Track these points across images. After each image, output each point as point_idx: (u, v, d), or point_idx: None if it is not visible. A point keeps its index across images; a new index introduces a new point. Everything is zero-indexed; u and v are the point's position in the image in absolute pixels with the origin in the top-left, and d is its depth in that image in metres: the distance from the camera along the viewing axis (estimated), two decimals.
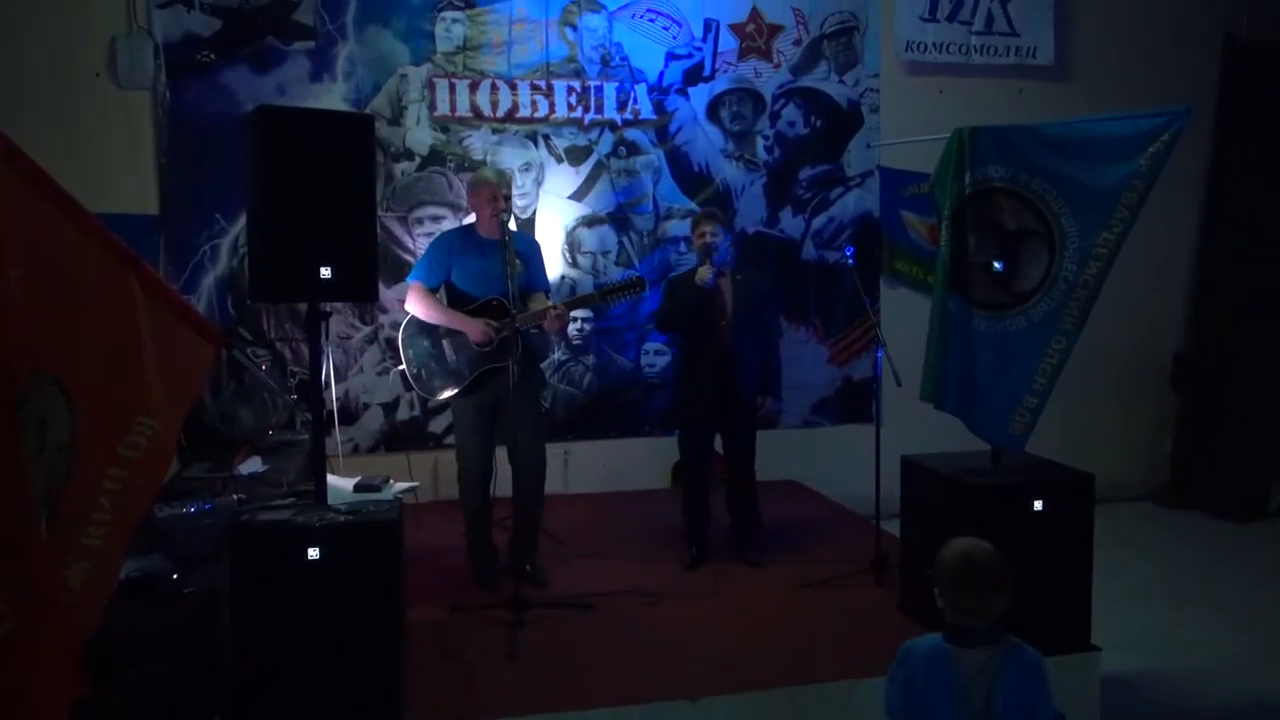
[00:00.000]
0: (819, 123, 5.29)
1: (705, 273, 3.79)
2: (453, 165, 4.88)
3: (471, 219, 3.88)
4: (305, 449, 3.63)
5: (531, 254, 3.80)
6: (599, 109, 5.02)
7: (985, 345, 3.26)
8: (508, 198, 3.68)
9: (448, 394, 3.71)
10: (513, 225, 3.91)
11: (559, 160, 5.02)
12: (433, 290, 3.72)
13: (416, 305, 3.69)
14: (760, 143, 5.24)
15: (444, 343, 3.71)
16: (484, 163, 4.84)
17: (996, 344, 3.25)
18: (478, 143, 4.92)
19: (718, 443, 4.09)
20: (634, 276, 3.84)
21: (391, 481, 3.19)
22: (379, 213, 4.52)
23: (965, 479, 3.23)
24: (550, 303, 3.70)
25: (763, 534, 4.12)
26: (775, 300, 4.27)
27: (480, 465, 3.73)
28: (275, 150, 2.73)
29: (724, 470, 4.09)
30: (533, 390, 3.78)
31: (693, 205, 5.11)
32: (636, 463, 5.10)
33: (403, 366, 3.77)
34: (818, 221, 5.35)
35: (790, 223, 5.32)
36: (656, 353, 5.15)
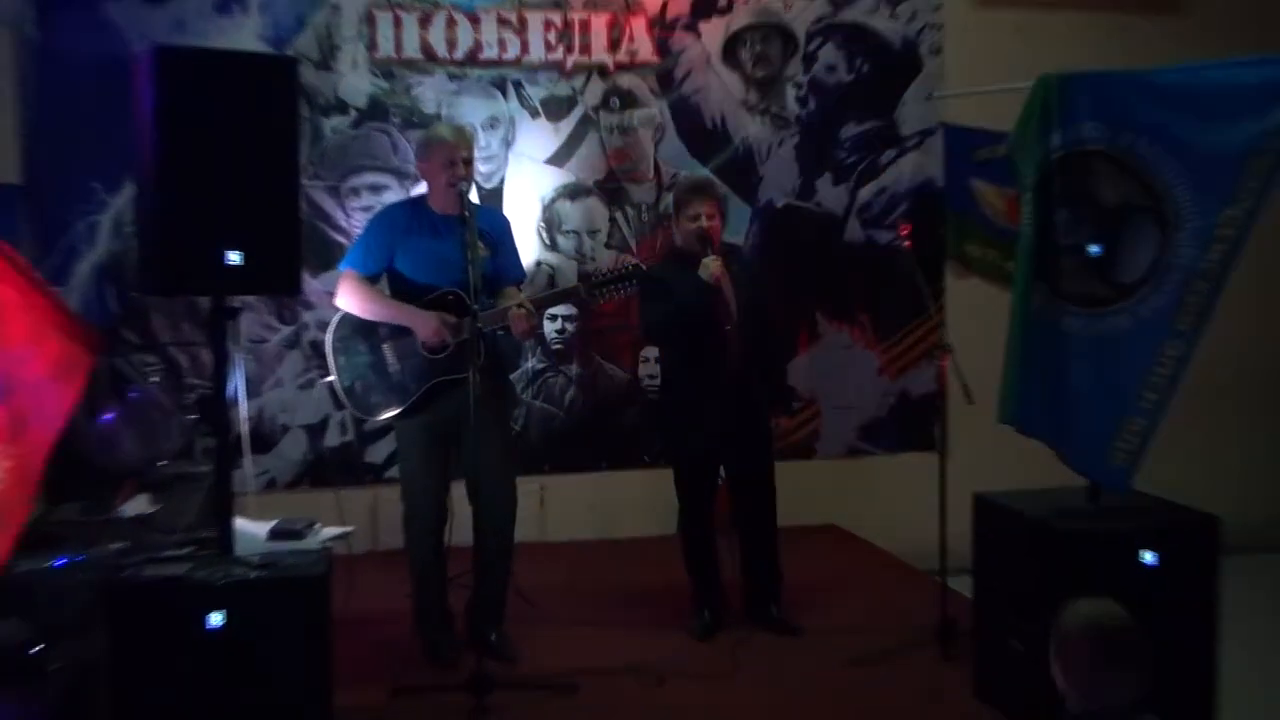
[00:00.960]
0: (865, 67, 5.33)
1: (715, 266, 3.79)
2: (398, 121, 4.91)
3: (422, 189, 3.91)
4: (206, 484, 3.64)
5: (500, 234, 3.82)
6: (585, 50, 5.06)
7: (1079, 352, 3.26)
8: (468, 162, 3.70)
9: (390, 413, 3.73)
10: (474, 197, 3.93)
11: (534, 114, 5.05)
12: (372, 280, 3.74)
13: (350, 299, 3.71)
14: (791, 92, 5.27)
15: (385, 347, 3.73)
16: (438, 118, 4.89)
17: (1093, 350, 3.25)
18: (430, 92, 4.95)
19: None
20: (628, 263, 3.86)
21: (317, 526, 3.21)
22: (304, 181, 4.30)
23: (1054, 523, 3.23)
24: (521, 296, 3.71)
25: (782, 594, 4.12)
26: (766, 283, 4.33)
27: (432, 505, 3.75)
28: (172, 102, 2.75)
29: (730, 508, 4.11)
30: (500, 409, 3.80)
31: (705, 170, 5.14)
32: (633, 502, 5.10)
33: (332, 378, 3.80)
34: (865, 193, 5.36)
35: (830, 194, 5.34)
36: (659, 360, 4.83)
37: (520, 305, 3.59)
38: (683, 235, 3.99)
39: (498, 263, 3.76)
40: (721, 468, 4.07)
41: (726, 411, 3.89)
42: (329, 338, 3.80)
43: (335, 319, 3.80)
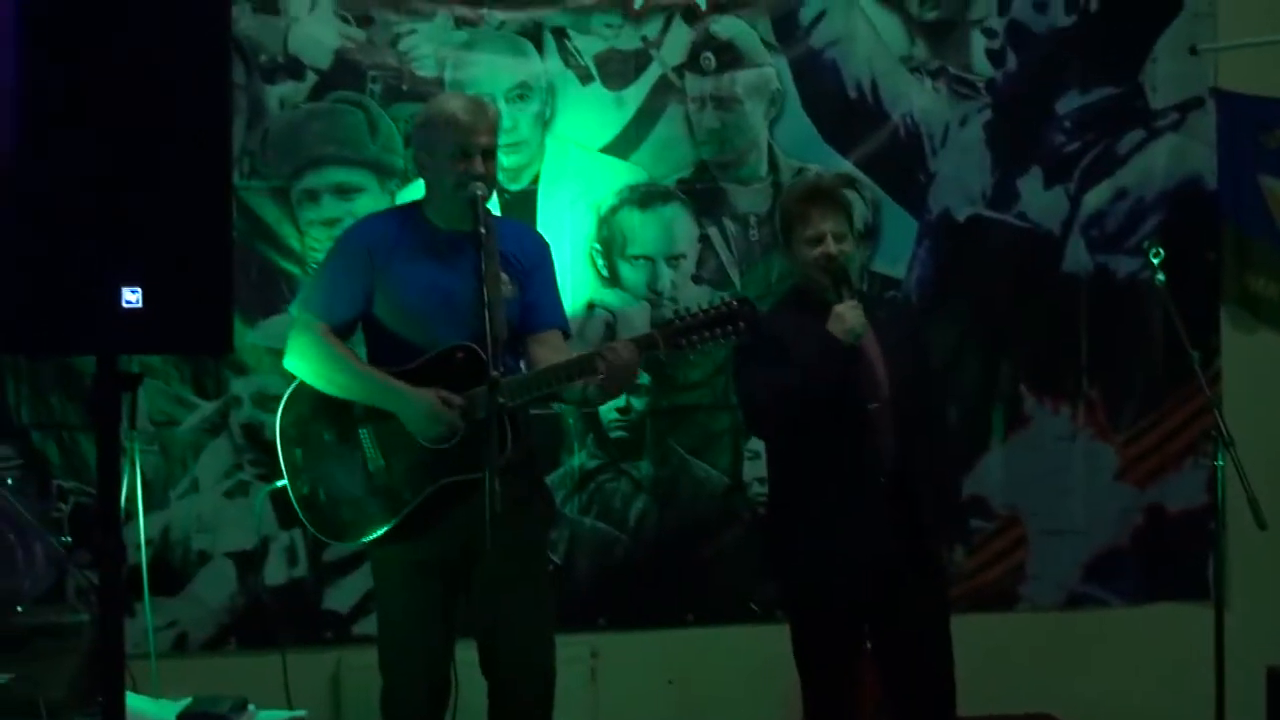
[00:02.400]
0: (1094, 3, 5.31)
1: (852, 316, 3.82)
2: (378, 90, 4.93)
3: (417, 193, 4.00)
4: (84, 643, 3.64)
5: (533, 261, 3.90)
6: None
7: None
8: (489, 152, 3.75)
9: (371, 534, 3.78)
10: (495, 206, 4.01)
11: (584, 79, 5.04)
12: (340, 331, 3.82)
13: (306, 361, 3.79)
14: (979, 43, 5.24)
15: (364, 434, 3.78)
16: (439, 85, 4.91)
17: None
18: (427, 45, 4.95)
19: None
20: (729, 299, 3.82)
21: (251, 709, 3.31)
22: (237, 181, 4.58)
23: None
24: (571, 351, 3.80)
25: None
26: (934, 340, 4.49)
27: (425, 677, 3.79)
28: (40, 57, 2.74)
29: (883, 693, 4.14)
30: (531, 529, 3.87)
31: (846, 163, 5.14)
32: (735, 677, 5.08)
33: (282, 481, 3.85)
34: (1094, 198, 5.31)
35: (1040, 200, 5.29)
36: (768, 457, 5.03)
37: (623, 345, 3.66)
38: (800, 266, 4.04)
39: (529, 304, 3.82)
40: (867, 627, 4.06)
41: (869, 540, 3.90)
42: (279, 420, 3.84)
43: (287, 392, 3.85)
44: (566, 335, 3.95)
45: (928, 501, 3.95)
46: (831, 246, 3.90)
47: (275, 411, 3.82)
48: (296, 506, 3.82)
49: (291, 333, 3.81)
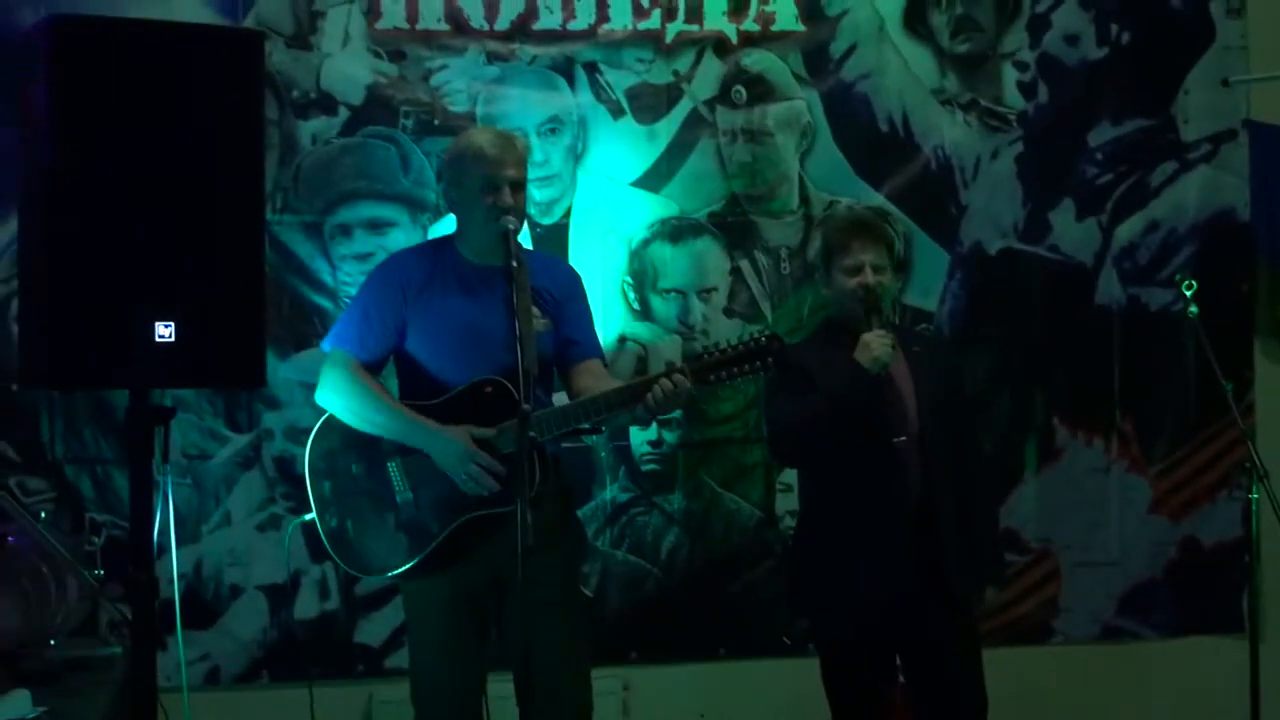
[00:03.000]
0: (1126, 36, 5.33)
1: (878, 346, 3.81)
2: (411, 125, 4.95)
3: (449, 228, 4.01)
4: (117, 676, 3.64)
5: (565, 294, 3.92)
6: (694, 15, 5.08)
7: None
8: (518, 186, 3.77)
9: (398, 569, 3.78)
10: (527, 240, 4.02)
11: (616, 113, 5.06)
12: (371, 368, 3.82)
13: (337, 396, 3.79)
14: (1011, 76, 5.27)
15: (392, 467, 3.78)
16: (471, 119, 4.92)
17: None
18: (460, 81, 4.97)
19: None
20: (758, 334, 3.81)
21: None
22: (270, 217, 4.57)
23: None
24: (613, 380, 3.81)
25: None
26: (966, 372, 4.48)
27: (458, 710, 3.80)
28: (75, 96, 2.77)
29: None
30: (564, 562, 3.87)
31: (878, 198, 5.15)
32: (765, 707, 5.08)
33: (311, 515, 3.85)
34: (1127, 230, 5.33)
35: (1073, 233, 5.31)
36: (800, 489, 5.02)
37: (672, 373, 3.63)
38: (836, 295, 4.05)
39: (565, 337, 3.82)
40: (898, 658, 4.06)
41: (890, 574, 3.90)
42: (308, 454, 3.85)
43: (317, 426, 3.85)
44: (605, 365, 3.95)
45: (952, 538, 3.92)
46: (869, 277, 3.90)
47: (306, 445, 3.82)
48: (325, 540, 3.82)
49: (324, 368, 3.81)
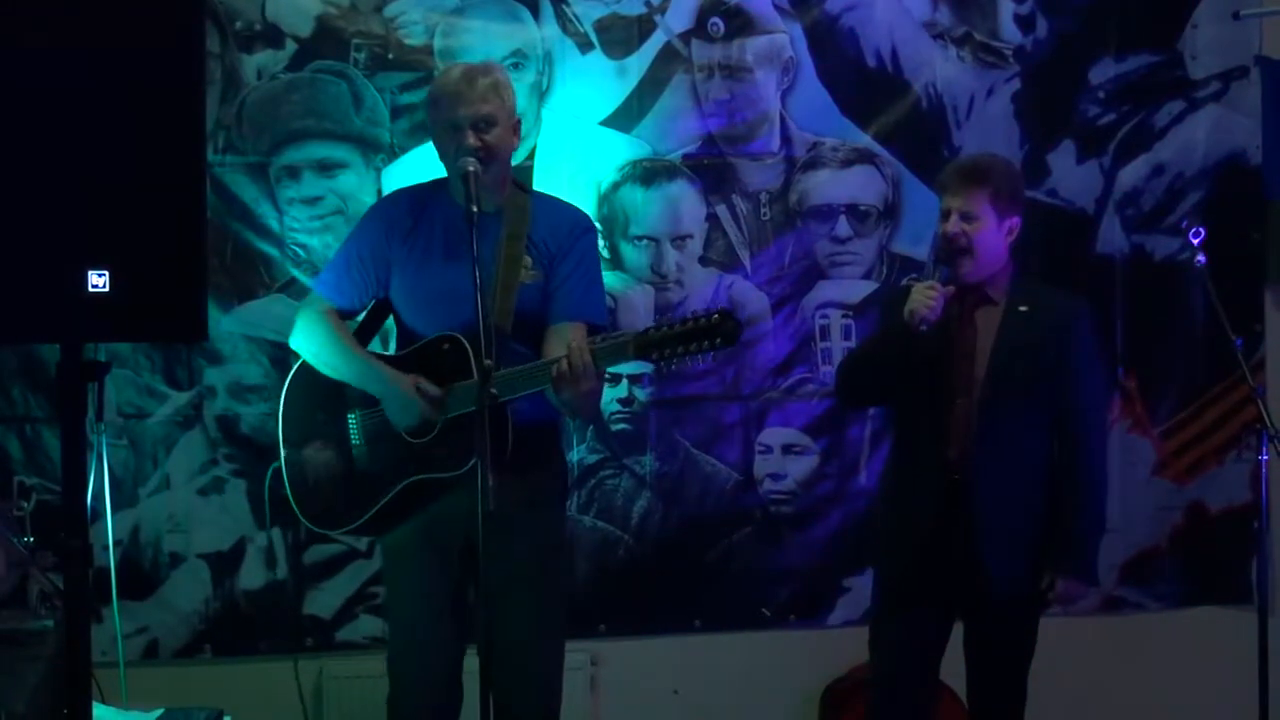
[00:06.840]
0: None
1: (919, 299, 3.85)
2: (363, 59, 4.93)
3: (403, 171, 4.35)
4: (48, 651, 3.67)
5: (563, 246, 3.90)
6: None
7: None
8: (481, 123, 3.75)
9: (350, 525, 3.91)
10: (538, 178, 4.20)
11: (584, 46, 5.06)
12: (346, 313, 3.95)
13: (305, 338, 3.91)
14: (1007, 9, 5.26)
15: (350, 416, 3.88)
16: (428, 54, 4.95)
17: None
18: (416, 11, 4.96)
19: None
20: (711, 312, 3.71)
21: None
22: (211, 157, 4.65)
23: None
24: (578, 337, 3.74)
25: None
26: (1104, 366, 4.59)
27: (436, 675, 3.90)
28: (3, 26, 2.74)
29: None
30: (536, 529, 3.89)
31: (864, 139, 5.18)
32: (743, 683, 5.12)
33: (277, 463, 3.96)
34: (1130, 174, 5.35)
35: (1073, 176, 5.33)
36: (788, 449, 5.19)
37: (570, 354, 3.58)
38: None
39: (550, 292, 3.83)
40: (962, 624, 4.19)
41: (930, 541, 4.00)
42: (282, 397, 3.97)
43: (293, 369, 3.96)
44: (599, 327, 3.85)
45: (990, 518, 3.94)
46: (952, 224, 3.95)
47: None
48: (289, 491, 3.89)
49: (298, 311, 3.92)
